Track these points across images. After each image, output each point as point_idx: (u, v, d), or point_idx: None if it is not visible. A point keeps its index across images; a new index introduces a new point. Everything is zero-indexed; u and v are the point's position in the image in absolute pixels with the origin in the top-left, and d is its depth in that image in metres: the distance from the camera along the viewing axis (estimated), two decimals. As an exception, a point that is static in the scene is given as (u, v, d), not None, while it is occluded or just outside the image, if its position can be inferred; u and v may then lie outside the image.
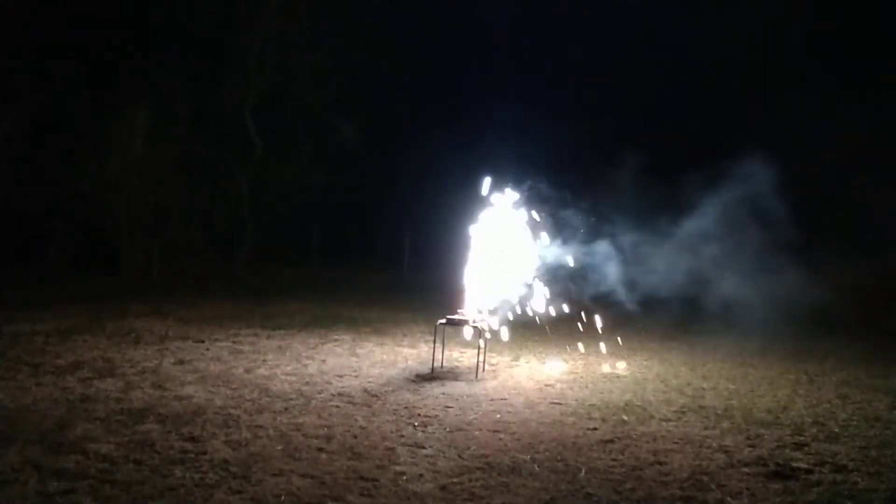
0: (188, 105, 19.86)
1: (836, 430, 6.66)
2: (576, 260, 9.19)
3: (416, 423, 6.34)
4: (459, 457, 5.51)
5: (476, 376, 8.40)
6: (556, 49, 19.90)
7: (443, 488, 4.87)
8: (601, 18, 19.42)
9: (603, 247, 9.54)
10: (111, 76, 18.17)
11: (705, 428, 6.60)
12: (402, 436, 5.97)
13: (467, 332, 9.11)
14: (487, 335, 8.90)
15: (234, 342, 9.70)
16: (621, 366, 9.32)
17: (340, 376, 8.04)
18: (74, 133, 17.78)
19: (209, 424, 5.96)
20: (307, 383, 7.61)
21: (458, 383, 8.03)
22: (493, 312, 8.99)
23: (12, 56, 16.52)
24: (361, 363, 8.82)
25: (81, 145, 17.73)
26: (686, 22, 18.39)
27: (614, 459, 5.62)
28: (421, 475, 5.09)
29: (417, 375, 8.31)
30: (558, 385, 8.16)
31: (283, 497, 4.58)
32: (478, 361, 8.64)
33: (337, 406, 6.79)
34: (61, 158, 17.45)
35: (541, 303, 9.08)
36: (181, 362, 8.30)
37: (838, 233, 13.01)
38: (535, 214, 8.92)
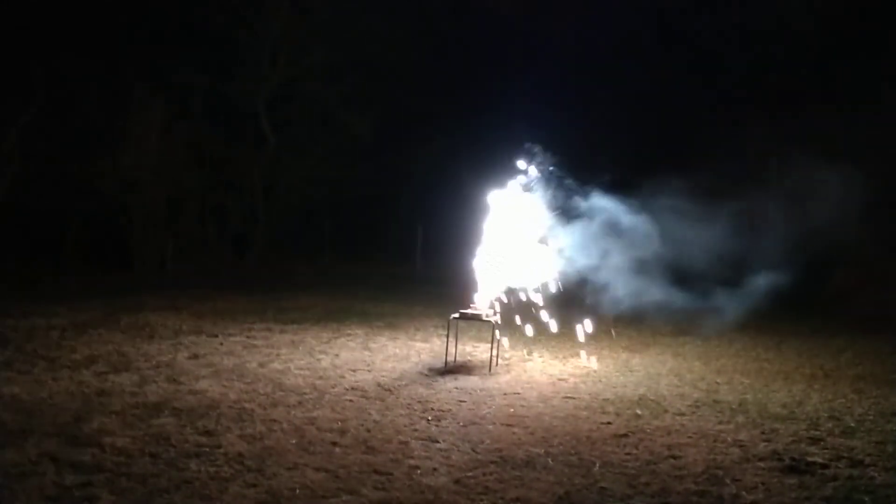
0: (202, 101, 19.93)
1: (852, 425, 6.61)
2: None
3: (429, 417, 6.34)
4: (473, 451, 5.51)
5: (489, 370, 8.40)
6: (569, 41, 19.79)
7: (457, 482, 4.87)
8: (616, 8, 19.31)
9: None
10: (125, 72, 18.24)
11: (720, 422, 6.57)
12: (416, 430, 5.97)
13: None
14: (500, 334, 8.89)
15: (247, 336, 9.74)
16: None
17: (354, 370, 8.05)
18: (89, 130, 17.87)
19: (224, 418, 5.99)
20: (321, 377, 7.63)
21: (472, 377, 8.03)
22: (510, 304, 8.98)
23: (27, 53, 16.61)
24: (374, 357, 8.83)
25: (96, 142, 17.85)
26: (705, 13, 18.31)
27: (628, 454, 5.61)
28: (435, 469, 5.09)
29: (430, 369, 8.32)
30: (571, 379, 8.14)
31: (297, 490, 4.60)
32: (491, 356, 8.64)
33: (350, 400, 6.80)
34: (76, 155, 17.55)
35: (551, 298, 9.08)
36: (195, 356, 8.34)
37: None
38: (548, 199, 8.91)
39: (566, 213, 9.06)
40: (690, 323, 11.20)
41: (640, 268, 9.56)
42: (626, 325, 11.57)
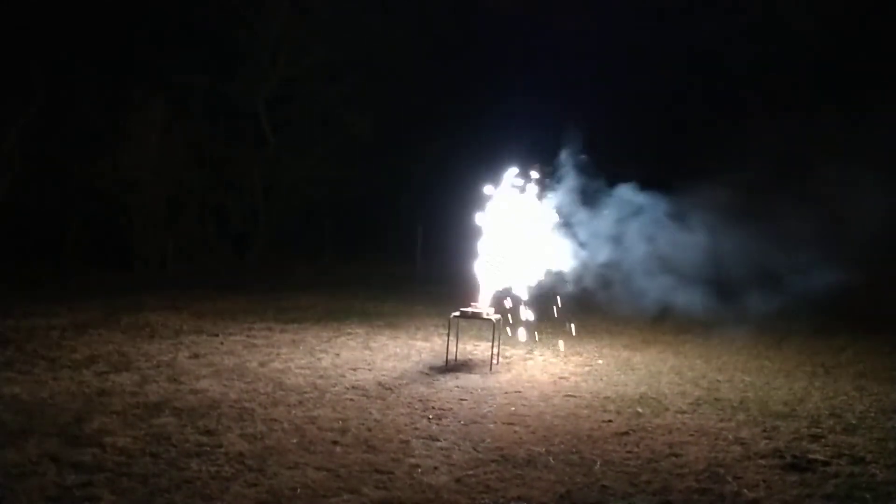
0: (202, 101, 19.93)
1: (854, 422, 6.61)
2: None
3: (430, 416, 6.34)
4: (474, 449, 5.51)
5: (490, 369, 8.39)
6: (570, 40, 19.76)
7: (458, 481, 4.87)
8: (617, 8, 19.29)
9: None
10: (125, 72, 18.25)
11: (721, 420, 6.57)
12: (417, 428, 5.97)
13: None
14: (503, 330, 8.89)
15: (248, 336, 9.73)
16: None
17: (354, 369, 8.05)
18: (89, 129, 17.88)
19: (224, 418, 5.99)
20: (321, 377, 7.63)
21: (472, 376, 8.03)
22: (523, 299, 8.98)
23: (27, 53, 16.61)
24: (375, 356, 8.83)
25: (96, 141, 17.85)
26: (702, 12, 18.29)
27: (630, 452, 5.61)
28: (436, 468, 5.09)
29: (431, 368, 8.31)
30: (572, 378, 8.14)
31: (298, 490, 4.60)
32: (492, 354, 8.63)
33: (351, 399, 6.80)
34: (76, 155, 17.56)
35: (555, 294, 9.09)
36: (196, 356, 8.34)
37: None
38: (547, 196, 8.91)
39: (592, 205, 9.09)
40: (708, 324, 11.17)
41: (660, 265, 9.58)
42: (626, 323, 11.59)
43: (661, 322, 11.45)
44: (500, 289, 8.91)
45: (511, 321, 9.32)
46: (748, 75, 18.26)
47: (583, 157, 8.94)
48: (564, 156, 8.94)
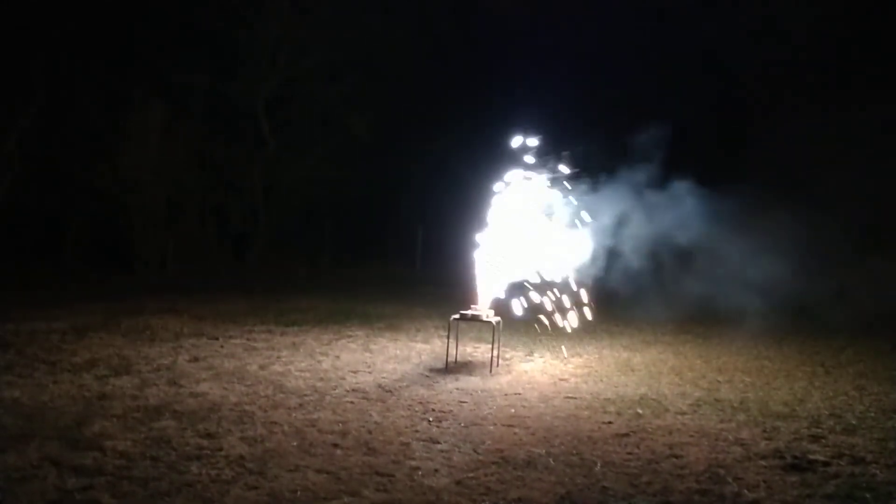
0: (202, 101, 19.94)
1: (854, 422, 6.61)
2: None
3: (430, 418, 6.34)
4: (474, 451, 5.51)
5: (490, 371, 8.39)
6: (570, 40, 19.75)
7: (458, 483, 4.87)
8: (618, 7, 19.28)
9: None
10: (125, 73, 18.26)
11: (721, 421, 6.57)
12: (417, 431, 5.97)
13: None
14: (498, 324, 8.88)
15: (248, 339, 9.73)
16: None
17: (354, 372, 8.05)
18: (89, 130, 17.89)
19: (224, 421, 5.99)
20: (321, 379, 7.63)
21: (473, 378, 8.03)
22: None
23: (27, 53, 16.62)
24: (375, 359, 8.83)
25: (96, 142, 17.86)
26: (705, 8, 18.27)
27: (630, 453, 5.61)
28: (436, 470, 5.09)
29: (431, 370, 8.32)
30: (572, 379, 8.14)
31: (298, 492, 4.60)
32: (492, 356, 8.63)
33: (351, 402, 6.80)
34: (76, 156, 17.57)
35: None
36: (196, 359, 8.34)
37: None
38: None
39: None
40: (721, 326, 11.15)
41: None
42: (626, 324, 11.59)
43: (665, 324, 11.44)
44: (520, 286, 8.91)
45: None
46: (754, 76, 18.23)
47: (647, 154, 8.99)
48: (642, 147, 8.98)
